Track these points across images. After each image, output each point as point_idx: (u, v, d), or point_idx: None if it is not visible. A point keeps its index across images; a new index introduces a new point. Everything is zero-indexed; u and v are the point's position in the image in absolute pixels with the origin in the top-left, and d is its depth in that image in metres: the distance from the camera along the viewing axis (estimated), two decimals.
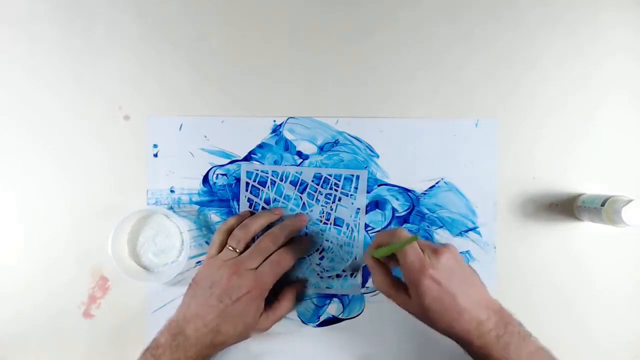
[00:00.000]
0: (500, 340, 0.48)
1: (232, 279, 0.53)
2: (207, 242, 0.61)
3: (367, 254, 0.54)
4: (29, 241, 0.61)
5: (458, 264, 0.50)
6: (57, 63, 0.61)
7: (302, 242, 0.59)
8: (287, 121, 0.61)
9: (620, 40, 0.60)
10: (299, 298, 0.60)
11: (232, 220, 0.58)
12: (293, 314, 0.61)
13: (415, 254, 0.49)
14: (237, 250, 0.55)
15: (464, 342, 0.49)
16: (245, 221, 0.57)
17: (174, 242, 0.60)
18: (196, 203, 0.61)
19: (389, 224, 0.61)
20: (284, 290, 0.58)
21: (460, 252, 0.60)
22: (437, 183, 0.61)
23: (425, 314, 0.50)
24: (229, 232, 0.57)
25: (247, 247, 0.56)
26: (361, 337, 0.60)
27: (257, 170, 0.61)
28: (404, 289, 0.51)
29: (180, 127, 0.61)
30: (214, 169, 0.61)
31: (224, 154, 0.61)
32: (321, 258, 0.61)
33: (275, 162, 0.61)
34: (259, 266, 0.55)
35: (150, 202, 0.61)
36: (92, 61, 0.61)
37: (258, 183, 0.61)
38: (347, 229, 0.61)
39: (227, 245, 0.56)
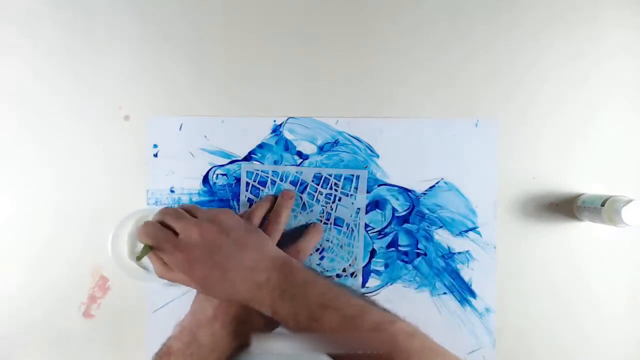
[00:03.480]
0: (285, 295, 0.47)
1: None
2: None
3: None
4: (28, 241, 0.61)
5: (212, 235, 0.50)
6: (57, 63, 0.61)
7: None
8: (287, 121, 0.61)
9: (620, 40, 0.60)
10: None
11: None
12: None
13: (154, 260, 0.52)
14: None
15: (252, 305, 0.48)
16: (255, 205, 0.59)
17: None
18: (196, 203, 0.61)
19: (389, 224, 0.60)
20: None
21: (460, 252, 0.60)
22: (437, 183, 0.61)
23: (203, 289, 0.50)
24: None
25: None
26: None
27: (257, 170, 0.61)
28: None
29: (180, 127, 0.61)
30: (214, 169, 0.61)
31: (224, 154, 0.61)
32: (321, 258, 0.61)
33: (275, 162, 0.61)
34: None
35: (150, 202, 0.61)
36: (92, 61, 0.61)
37: (258, 183, 0.61)
38: (347, 229, 0.61)
39: None
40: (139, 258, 0.52)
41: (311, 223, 0.60)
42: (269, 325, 0.54)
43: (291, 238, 0.58)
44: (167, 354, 0.51)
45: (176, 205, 0.61)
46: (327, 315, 0.45)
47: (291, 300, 0.47)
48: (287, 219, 0.58)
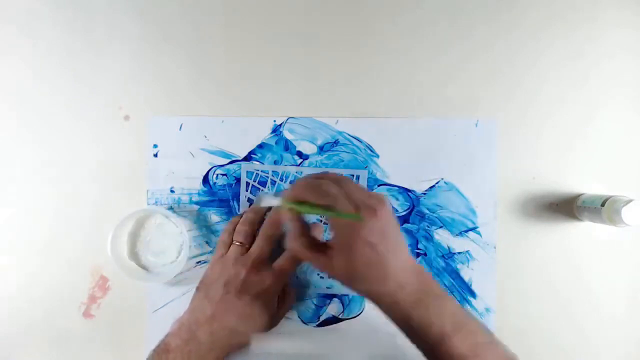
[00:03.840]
0: (421, 303, 0.45)
1: (250, 275, 0.53)
2: (207, 242, 0.61)
3: (287, 205, 0.47)
4: (29, 241, 0.61)
5: (390, 223, 0.46)
6: (57, 63, 0.61)
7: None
8: (287, 121, 0.61)
9: (620, 40, 0.60)
10: (299, 296, 0.60)
11: (236, 220, 0.58)
12: (293, 314, 0.61)
13: (300, 228, 0.46)
14: (246, 245, 0.55)
15: (384, 306, 0.47)
16: (245, 216, 0.57)
17: (174, 242, 0.60)
18: (196, 203, 0.61)
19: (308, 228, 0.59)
20: (285, 288, 0.58)
21: (460, 252, 0.60)
22: (437, 183, 0.61)
23: (348, 277, 0.46)
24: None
25: (254, 240, 0.56)
26: (361, 337, 0.60)
27: (257, 170, 0.61)
28: (322, 249, 0.46)
29: (180, 127, 0.61)
30: (214, 169, 0.61)
31: (224, 154, 0.61)
32: None
33: (275, 162, 0.61)
34: (274, 260, 0.55)
35: (150, 202, 0.61)
36: (92, 61, 0.61)
37: (258, 183, 0.61)
38: None
39: (234, 242, 0.56)
40: (294, 211, 0.46)
41: (312, 223, 0.60)
42: (267, 325, 0.54)
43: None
44: (165, 351, 0.51)
45: (176, 206, 0.61)
46: (460, 335, 0.45)
47: (425, 310, 0.45)
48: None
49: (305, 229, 0.47)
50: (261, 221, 0.57)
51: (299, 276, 0.61)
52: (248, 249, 0.55)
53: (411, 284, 0.46)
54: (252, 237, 0.56)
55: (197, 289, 0.55)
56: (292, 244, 0.47)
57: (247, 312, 0.52)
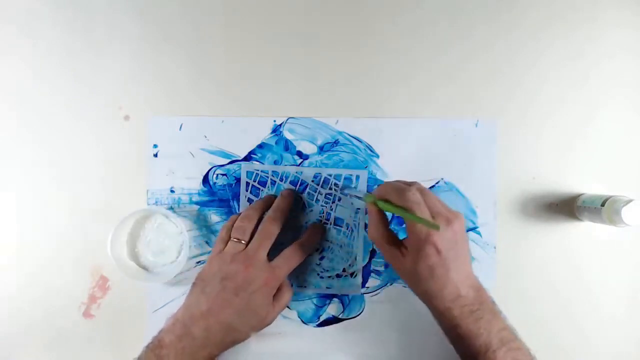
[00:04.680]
0: (472, 315, 0.49)
1: (247, 271, 0.53)
2: (207, 242, 0.61)
3: (369, 198, 0.52)
4: (28, 241, 0.61)
5: (461, 236, 0.50)
6: (57, 63, 0.61)
7: (313, 235, 0.59)
8: (287, 121, 0.61)
9: (620, 40, 0.60)
10: (295, 295, 0.60)
11: (236, 217, 0.58)
12: (293, 314, 0.61)
13: (381, 219, 0.50)
14: (243, 241, 0.55)
15: (436, 310, 0.50)
16: (244, 213, 0.57)
17: (174, 242, 0.60)
18: (196, 203, 0.61)
19: (389, 223, 0.60)
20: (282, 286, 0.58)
21: None
22: (437, 183, 0.61)
23: (412, 277, 0.50)
24: None
25: (252, 237, 0.55)
26: (361, 337, 0.60)
27: (257, 170, 0.61)
28: (397, 244, 0.51)
29: (180, 127, 0.61)
30: (214, 169, 0.61)
31: (224, 154, 0.61)
32: (321, 258, 0.61)
33: (275, 162, 0.61)
34: (272, 258, 0.55)
35: (150, 202, 0.61)
36: (92, 61, 0.61)
37: (258, 183, 0.61)
38: (347, 229, 0.61)
39: (232, 238, 0.55)
40: (375, 204, 0.51)
41: (311, 223, 0.60)
42: (263, 322, 0.54)
43: (291, 237, 0.58)
44: (158, 347, 0.51)
45: (176, 206, 0.61)
46: (504, 349, 0.48)
47: (476, 322, 0.49)
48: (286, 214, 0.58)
49: (385, 222, 0.52)
50: (260, 219, 0.57)
51: (296, 275, 0.61)
52: (246, 245, 0.55)
53: (467, 296, 0.49)
54: (250, 234, 0.56)
55: (194, 284, 0.55)
56: (374, 233, 0.52)
57: (243, 309, 0.52)
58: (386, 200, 0.51)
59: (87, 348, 0.61)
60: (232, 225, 0.57)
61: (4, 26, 0.61)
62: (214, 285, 0.53)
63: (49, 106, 0.61)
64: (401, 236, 0.54)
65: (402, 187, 0.50)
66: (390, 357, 0.60)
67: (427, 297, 0.50)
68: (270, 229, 0.55)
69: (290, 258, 0.55)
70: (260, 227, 0.56)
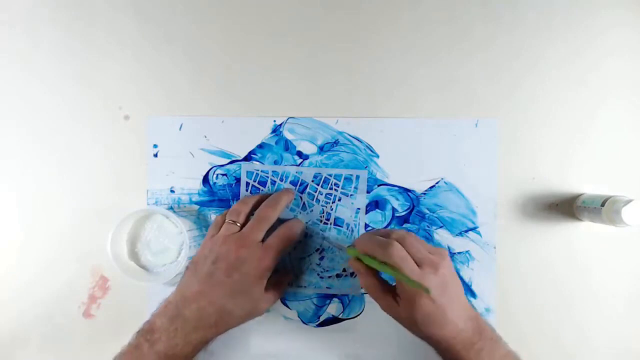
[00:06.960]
0: (474, 347, 0.49)
1: (240, 251, 0.52)
2: None
3: (352, 252, 0.53)
4: (29, 241, 0.61)
5: (451, 275, 0.50)
6: (57, 63, 0.61)
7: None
8: (287, 121, 0.61)
9: (620, 40, 0.60)
10: (292, 282, 0.60)
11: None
12: (293, 314, 0.61)
13: (414, 274, 0.48)
14: (238, 224, 0.54)
15: (438, 348, 0.50)
16: (243, 198, 0.57)
17: (174, 242, 0.60)
18: (196, 203, 0.61)
19: (389, 224, 0.60)
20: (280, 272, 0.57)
21: (460, 252, 0.60)
22: (437, 183, 0.61)
23: (409, 324, 0.50)
24: None
25: (247, 221, 0.55)
26: (361, 337, 0.60)
27: (257, 170, 0.61)
28: (391, 293, 0.51)
29: (180, 127, 0.61)
30: (214, 169, 0.61)
31: (224, 154, 0.61)
32: (321, 258, 0.61)
33: (275, 162, 0.61)
34: (265, 240, 0.54)
35: (150, 202, 0.61)
36: (92, 61, 0.61)
37: (258, 183, 0.61)
38: (347, 229, 0.61)
39: (227, 220, 0.55)
40: (359, 260, 0.52)
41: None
42: (257, 308, 0.54)
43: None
44: (149, 331, 0.51)
45: (176, 206, 0.61)
46: None
47: (477, 354, 0.49)
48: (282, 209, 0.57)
49: (373, 270, 0.52)
50: (257, 205, 0.57)
51: (292, 262, 0.61)
52: (241, 228, 0.54)
53: (467, 329, 0.49)
54: (246, 217, 0.55)
55: (187, 268, 0.55)
56: (364, 284, 0.52)
57: (235, 290, 0.51)
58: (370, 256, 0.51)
59: (87, 348, 0.61)
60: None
61: (4, 26, 0.61)
62: (206, 266, 0.52)
63: (49, 106, 0.61)
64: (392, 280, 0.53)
65: (385, 242, 0.49)
66: (390, 357, 0.60)
67: (428, 339, 0.50)
68: (267, 213, 0.55)
69: (282, 236, 0.55)
70: (257, 212, 0.55)
